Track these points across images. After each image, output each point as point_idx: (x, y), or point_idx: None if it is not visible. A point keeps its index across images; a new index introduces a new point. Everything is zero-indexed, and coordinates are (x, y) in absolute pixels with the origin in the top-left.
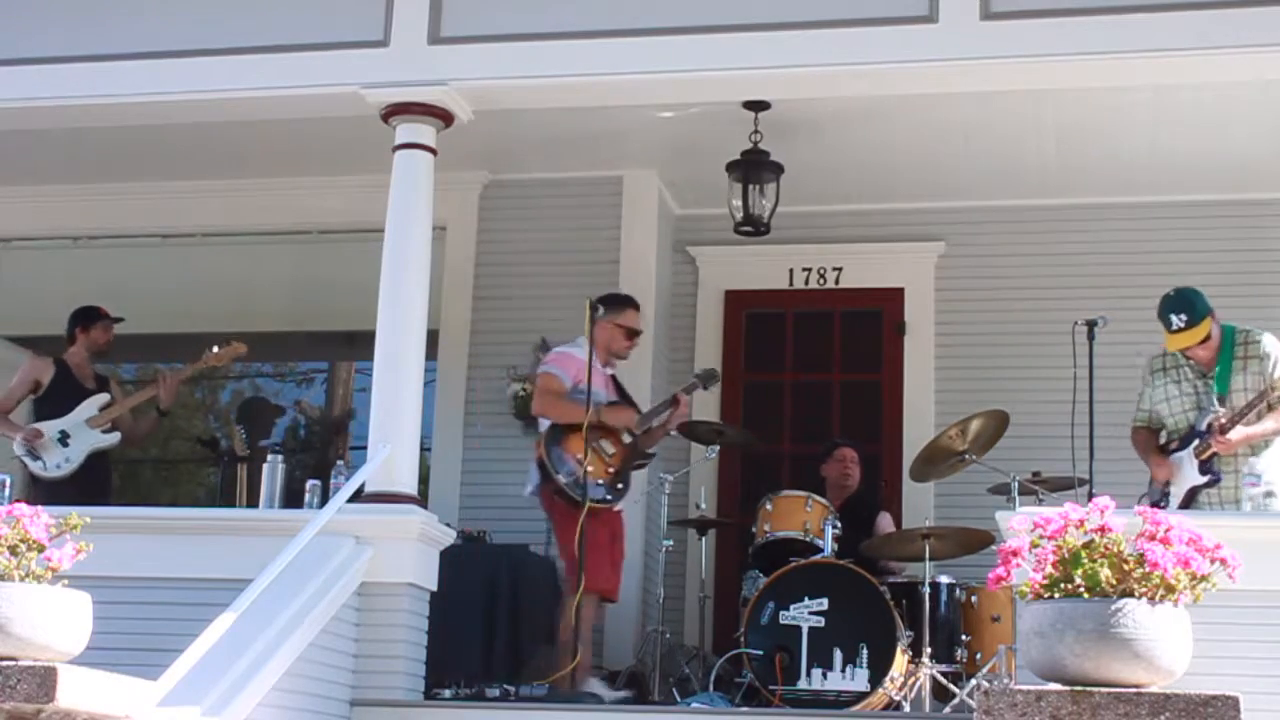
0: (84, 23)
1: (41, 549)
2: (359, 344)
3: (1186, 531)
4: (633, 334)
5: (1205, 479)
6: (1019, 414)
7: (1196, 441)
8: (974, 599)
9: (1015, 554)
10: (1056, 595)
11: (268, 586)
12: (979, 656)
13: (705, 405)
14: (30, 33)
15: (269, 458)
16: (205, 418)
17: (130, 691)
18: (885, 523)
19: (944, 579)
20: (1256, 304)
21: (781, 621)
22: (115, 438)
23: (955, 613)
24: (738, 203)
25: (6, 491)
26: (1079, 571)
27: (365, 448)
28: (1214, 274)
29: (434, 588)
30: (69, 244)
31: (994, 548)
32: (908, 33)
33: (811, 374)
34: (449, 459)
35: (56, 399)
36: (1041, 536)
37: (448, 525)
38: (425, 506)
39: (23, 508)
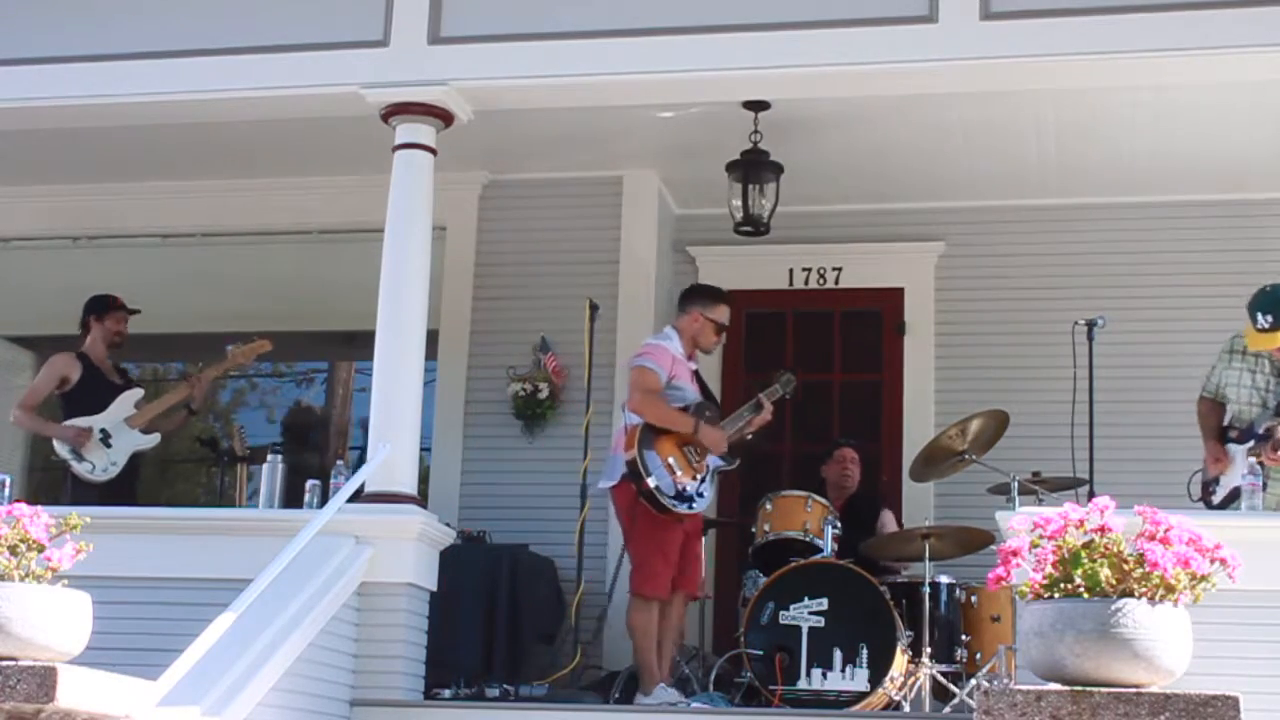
0: (84, 23)
1: (41, 549)
2: (359, 344)
3: (1186, 531)
4: (722, 329)
5: (1250, 482)
6: (1019, 414)
7: (1252, 442)
8: (974, 599)
9: (1015, 554)
10: (1056, 595)
11: (268, 586)
12: (979, 656)
13: None
14: (30, 33)
15: (269, 458)
16: (205, 417)
17: (130, 691)
18: (889, 520)
19: (944, 579)
20: None
21: (781, 621)
22: (155, 439)
23: (955, 613)
24: (738, 203)
25: (6, 491)
26: (1079, 571)
27: (365, 447)
28: (1214, 274)
29: (434, 588)
30: (69, 244)
31: (994, 548)
32: (908, 33)
33: (811, 374)
34: (449, 459)
35: (86, 396)
36: (1041, 536)
37: (448, 525)
38: (425, 506)
39: (23, 508)
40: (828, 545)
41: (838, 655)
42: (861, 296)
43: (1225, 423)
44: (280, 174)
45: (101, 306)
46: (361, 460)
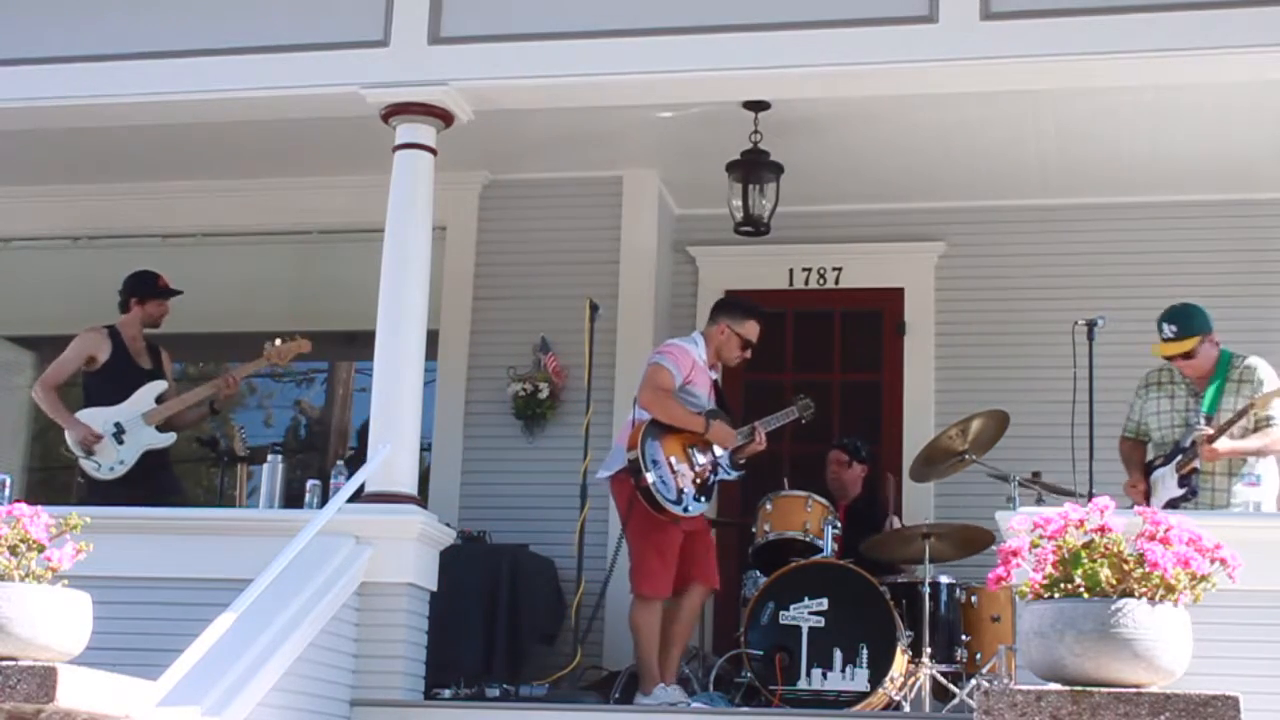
0: (84, 23)
1: (41, 549)
2: (359, 344)
3: (1186, 531)
4: (748, 345)
5: (1182, 491)
6: (1019, 414)
7: (1180, 456)
8: (974, 599)
9: (1015, 554)
10: (1056, 595)
11: (268, 586)
12: (979, 656)
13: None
14: (30, 33)
15: (269, 458)
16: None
17: (130, 691)
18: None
19: (944, 579)
20: (1256, 304)
21: (781, 621)
22: (170, 438)
23: (955, 613)
24: (738, 203)
25: (6, 491)
26: (1079, 571)
27: (357, 448)
28: (1214, 274)
29: (434, 588)
30: (69, 244)
31: (994, 548)
32: (908, 33)
33: (811, 374)
34: (449, 459)
35: (110, 379)
36: (1041, 536)
37: (448, 525)
38: (425, 506)
39: (23, 508)
40: (828, 545)
41: (838, 655)
42: (861, 296)
43: (1149, 459)
44: (280, 174)
45: (145, 288)
46: (354, 461)
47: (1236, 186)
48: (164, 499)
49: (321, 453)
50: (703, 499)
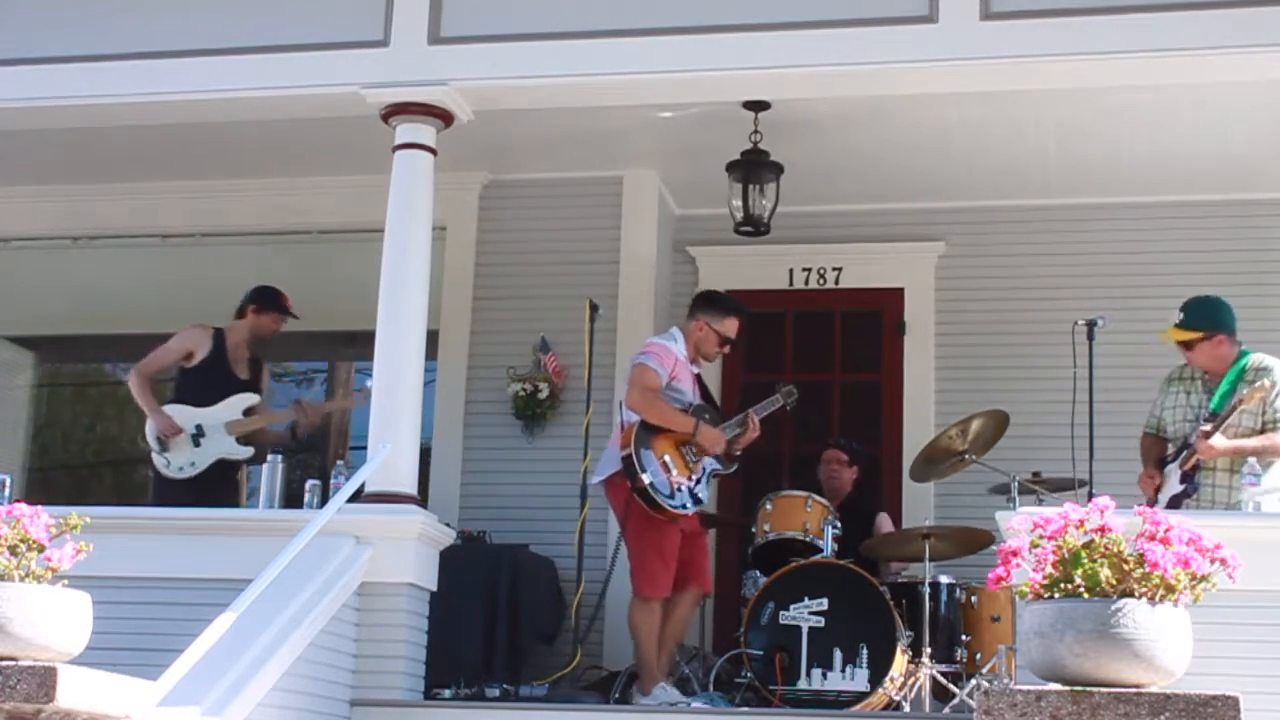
0: (84, 23)
1: (41, 549)
2: (359, 344)
3: (1186, 531)
4: (726, 342)
5: (1183, 488)
6: (1019, 414)
7: (1184, 453)
8: (974, 599)
9: (1015, 554)
10: (1056, 595)
11: (268, 586)
12: (979, 656)
13: None
14: (30, 33)
15: (269, 458)
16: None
17: (130, 691)
18: (884, 524)
19: (944, 579)
20: (1257, 304)
21: (781, 621)
22: (247, 452)
23: (955, 613)
24: (738, 203)
25: (6, 491)
26: (1079, 571)
27: (365, 448)
28: (1214, 274)
29: (434, 588)
30: (69, 244)
31: (994, 548)
32: (908, 33)
33: (811, 374)
34: (449, 459)
35: (202, 380)
36: (1041, 537)
37: (448, 525)
38: (425, 506)
39: (23, 508)
40: (828, 545)
41: (838, 655)
42: (861, 296)
43: (1165, 454)
44: (280, 174)
45: (267, 302)
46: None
47: (1236, 186)
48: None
49: (321, 453)
50: (700, 495)
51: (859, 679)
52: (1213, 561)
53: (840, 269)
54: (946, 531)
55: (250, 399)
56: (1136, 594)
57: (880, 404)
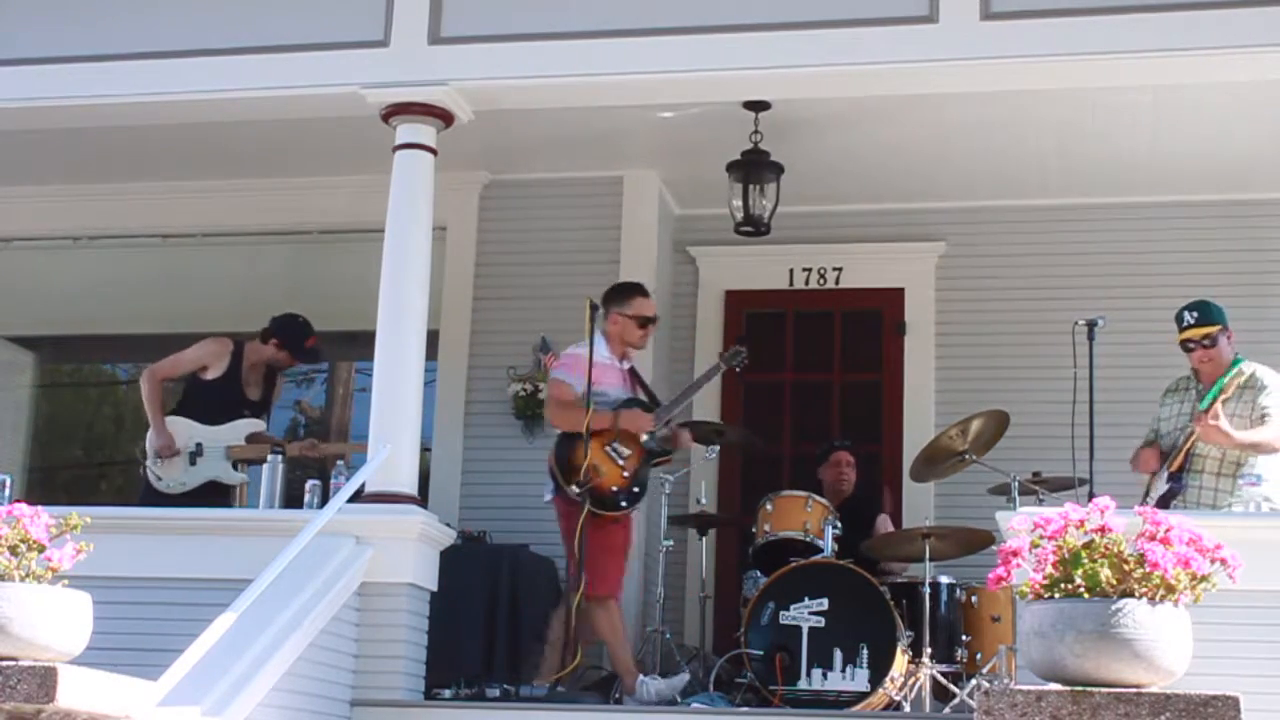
0: (84, 23)
1: (42, 549)
2: (359, 344)
3: (1187, 532)
4: (646, 322)
5: (1168, 487)
6: (1019, 414)
7: (1172, 453)
8: (974, 599)
9: (1015, 554)
10: (1056, 595)
11: (268, 586)
12: (979, 657)
13: (705, 405)
14: (30, 33)
15: (269, 458)
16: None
17: (130, 691)
18: (884, 525)
19: (944, 579)
20: (1257, 304)
21: (782, 622)
22: (241, 478)
23: (955, 613)
24: (738, 203)
25: (6, 491)
26: (1079, 572)
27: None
28: (1214, 274)
29: (434, 588)
30: (69, 244)
31: (994, 548)
32: (908, 33)
33: (811, 374)
34: (449, 459)
35: (213, 392)
36: (1042, 537)
37: (448, 525)
38: (425, 506)
39: (23, 508)
40: (828, 545)
41: (838, 655)
42: (861, 296)
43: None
44: (280, 174)
45: (294, 342)
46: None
47: (1236, 186)
48: None
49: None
50: (636, 491)
51: (859, 679)
52: (1213, 561)
53: (840, 269)
54: (946, 531)
55: (255, 425)
56: (1137, 594)
57: (880, 404)
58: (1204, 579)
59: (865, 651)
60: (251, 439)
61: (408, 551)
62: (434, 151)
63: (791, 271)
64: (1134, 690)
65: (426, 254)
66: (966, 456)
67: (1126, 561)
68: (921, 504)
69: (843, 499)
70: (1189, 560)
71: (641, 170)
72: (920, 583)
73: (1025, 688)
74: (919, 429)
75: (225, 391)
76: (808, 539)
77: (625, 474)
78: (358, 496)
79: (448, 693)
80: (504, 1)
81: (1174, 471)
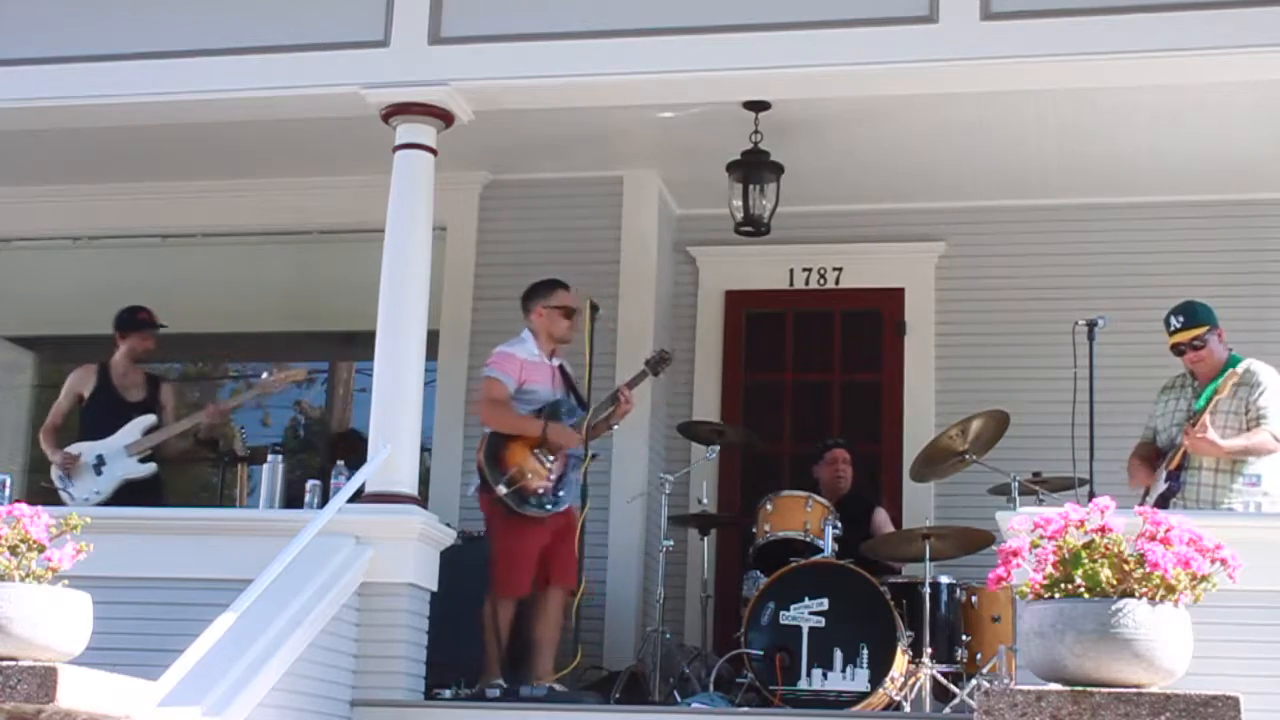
0: (84, 23)
1: (42, 549)
2: (359, 344)
3: (1187, 532)
4: (570, 313)
5: (1166, 485)
6: (1019, 414)
7: (1170, 452)
8: (974, 599)
9: (1015, 554)
10: (1057, 595)
11: (268, 586)
12: (979, 657)
13: (705, 405)
14: (30, 33)
15: (269, 458)
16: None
17: (130, 691)
18: (881, 518)
19: (944, 579)
20: (1256, 304)
21: (782, 621)
22: (150, 469)
23: (955, 613)
24: (738, 203)
25: (6, 491)
26: (1079, 572)
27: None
28: (1214, 274)
29: (434, 588)
30: (69, 244)
31: (994, 548)
32: (908, 33)
33: (811, 374)
34: (449, 459)
35: (98, 414)
36: (1042, 537)
37: (448, 525)
38: (425, 506)
39: (23, 508)
40: (828, 545)
41: (838, 655)
42: (861, 296)
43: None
44: (280, 174)
45: (125, 323)
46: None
47: (1236, 186)
48: None
49: (323, 453)
50: (563, 494)
51: (859, 679)
52: (1213, 561)
53: (840, 269)
54: (947, 531)
55: (147, 420)
56: (1137, 594)
57: (880, 404)
58: (1204, 579)
59: (865, 651)
60: (149, 431)
61: (408, 551)
62: (434, 151)
63: (791, 271)
64: (1134, 690)
65: (426, 254)
66: (966, 456)
67: (1127, 561)
68: (921, 504)
69: (840, 496)
70: (1189, 560)
71: (641, 170)
72: (920, 583)
73: (1025, 688)
74: (919, 429)
75: (106, 404)
76: (808, 539)
77: (551, 477)
78: (358, 496)
79: (448, 693)
80: (504, 1)
81: (1172, 470)
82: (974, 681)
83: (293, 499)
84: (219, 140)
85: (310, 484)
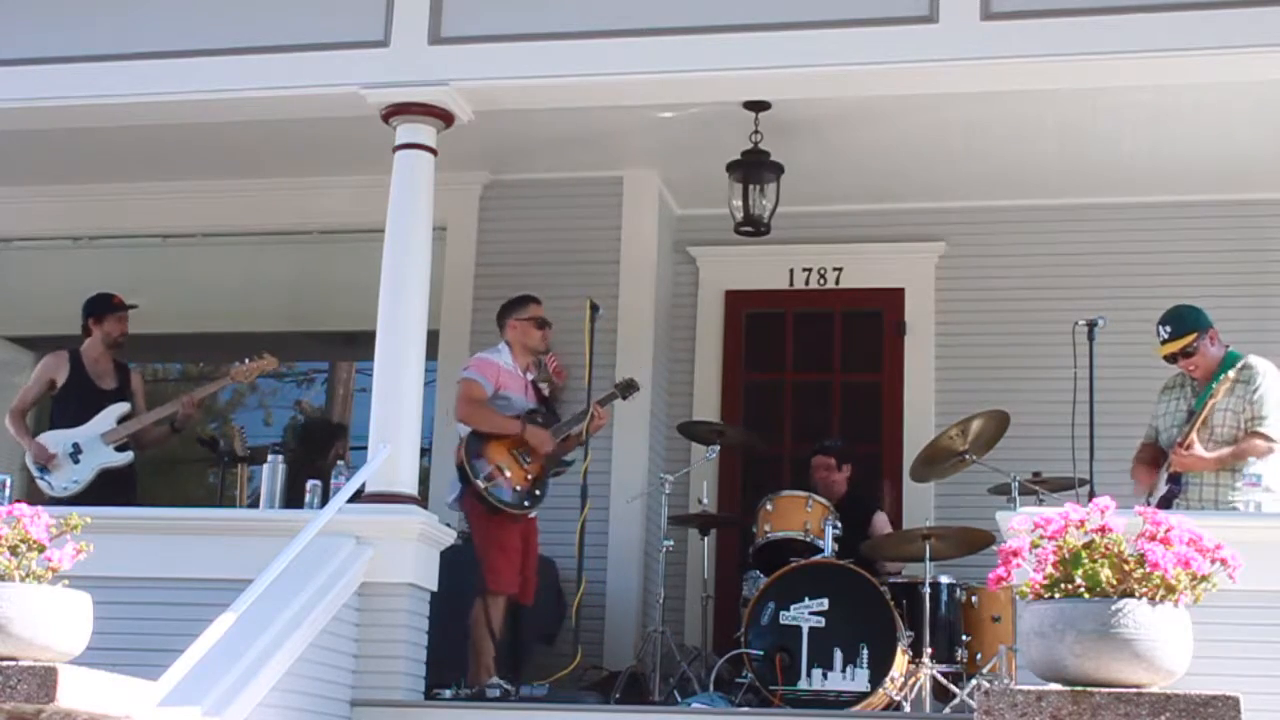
0: (83, 23)
1: (42, 549)
2: (359, 344)
3: (1187, 532)
4: (542, 324)
5: (1168, 488)
6: (1019, 414)
7: (1170, 455)
8: (974, 599)
9: (1015, 554)
10: (1057, 595)
11: (268, 587)
12: (979, 657)
13: (705, 405)
14: (30, 33)
15: (269, 458)
16: (204, 422)
17: (130, 691)
18: (881, 522)
19: (944, 579)
20: (1256, 304)
21: (782, 621)
22: (127, 457)
23: (955, 613)
24: (738, 203)
25: (6, 491)
26: (1079, 572)
27: (365, 448)
28: (1214, 274)
29: (434, 588)
30: (69, 244)
31: (994, 548)
32: (908, 33)
33: (811, 374)
34: (449, 459)
35: (71, 401)
36: (1042, 537)
37: (448, 525)
38: (425, 507)
39: (23, 508)
40: (828, 545)
41: (838, 655)
42: (862, 296)
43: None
44: (280, 174)
45: (99, 308)
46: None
47: (1236, 186)
48: None
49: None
50: (538, 494)
51: (859, 679)
52: (1213, 562)
53: (840, 269)
54: (947, 531)
55: (122, 408)
56: (1137, 594)
57: (880, 404)
58: (1204, 579)
59: (865, 651)
60: (124, 419)
61: (408, 552)
62: (434, 151)
63: (791, 271)
64: (1134, 690)
65: (426, 254)
66: (966, 456)
67: (1127, 561)
68: (921, 504)
69: (837, 500)
70: (1189, 560)
71: (641, 170)
72: (920, 583)
73: (1025, 688)
74: (919, 429)
75: (79, 393)
76: (808, 539)
77: (529, 476)
78: (358, 497)
79: (448, 693)
80: (504, 1)
81: (1174, 472)
82: (974, 681)
83: (293, 499)
84: (219, 140)
85: (310, 484)
